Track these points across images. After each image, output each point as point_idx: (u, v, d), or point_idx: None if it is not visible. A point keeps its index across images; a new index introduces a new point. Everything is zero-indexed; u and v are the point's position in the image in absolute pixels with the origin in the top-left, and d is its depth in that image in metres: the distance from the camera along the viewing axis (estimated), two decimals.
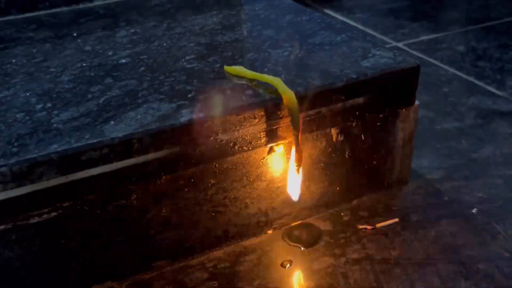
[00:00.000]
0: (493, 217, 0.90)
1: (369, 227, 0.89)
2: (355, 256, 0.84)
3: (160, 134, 0.71)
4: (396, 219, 0.90)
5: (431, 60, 1.52)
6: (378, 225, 0.89)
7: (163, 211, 0.79)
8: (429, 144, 1.11)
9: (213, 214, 0.83)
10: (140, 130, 0.70)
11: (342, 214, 0.93)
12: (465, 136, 1.14)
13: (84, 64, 0.91)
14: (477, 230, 0.87)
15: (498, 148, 1.09)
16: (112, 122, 0.72)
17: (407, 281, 0.78)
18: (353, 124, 0.86)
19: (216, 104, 0.75)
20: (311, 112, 0.80)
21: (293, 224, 0.91)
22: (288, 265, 0.83)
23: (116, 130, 0.70)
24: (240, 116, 0.75)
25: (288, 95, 0.75)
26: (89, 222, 0.75)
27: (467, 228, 0.88)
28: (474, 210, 0.92)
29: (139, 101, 0.77)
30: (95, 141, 0.69)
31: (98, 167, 0.70)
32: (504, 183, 0.99)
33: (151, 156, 0.72)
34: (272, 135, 0.79)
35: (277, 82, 0.77)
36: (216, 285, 0.80)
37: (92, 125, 0.72)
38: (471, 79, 1.40)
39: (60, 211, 0.71)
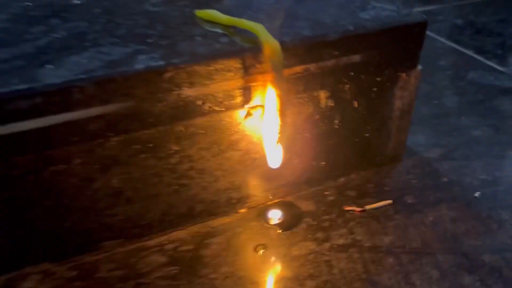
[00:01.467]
0: (498, 202, 0.79)
1: (357, 209, 0.77)
2: (341, 241, 0.71)
3: (108, 83, 0.56)
4: (389, 201, 0.78)
5: (427, 32, 1.39)
6: (367, 207, 0.77)
7: (113, 181, 0.65)
8: (426, 120, 1.00)
9: (175, 187, 0.70)
10: (83, 76, 0.56)
11: (326, 193, 0.81)
12: (465, 112, 1.03)
13: (29, 3, 0.76)
14: (481, 217, 0.76)
15: (501, 126, 0.98)
16: (49, 66, 0.58)
17: (401, 273, 0.66)
18: (346, 88, 0.73)
19: (182, 51, 0.61)
20: (297, 69, 0.67)
21: (269, 203, 0.78)
22: (262, 250, 0.70)
23: (53, 76, 0.56)
24: (211, 67, 0.61)
25: (272, 44, 0.61)
26: (19, 191, 0.60)
27: (469, 214, 0.77)
28: (477, 194, 0.80)
29: (87, 44, 0.62)
30: (24, 87, 0.54)
31: (28, 120, 0.55)
32: (509, 164, 0.87)
33: (96, 110, 0.57)
34: (249, 94, 0.66)
35: (259, 28, 0.63)
36: (176, 271, 0.67)
37: (24, 69, 0.57)
38: (470, 53, 1.28)
39: None
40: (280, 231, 0.74)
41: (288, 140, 0.73)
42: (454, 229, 0.73)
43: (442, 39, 1.35)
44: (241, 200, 0.76)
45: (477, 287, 0.64)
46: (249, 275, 0.67)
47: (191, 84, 0.61)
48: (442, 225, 0.74)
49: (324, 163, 0.79)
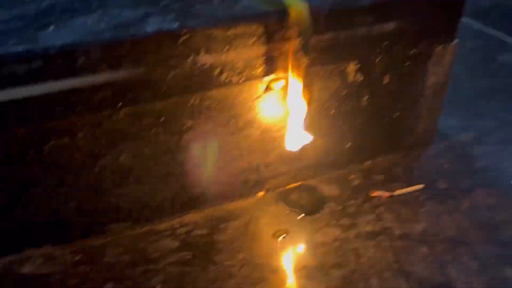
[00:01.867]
0: None
1: (385, 194, 0.71)
2: (368, 228, 0.65)
3: (116, 46, 0.51)
4: (421, 185, 0.72)
5: None
6: (396, 192, 0.71)
7: (121, 157, 0.59)
8: (456, 102, 0.92)
9: (188, 166, 0.64)
10: (89, 39, 0.50)
11: (351, 176, 0.75)
12: (497, 95, 0.96)
13: None
14: None
15: None
16: (51, 27, 0.52)
17: (435, 263, 0.60)
18: (377, 60, 0.66)
19: (198, 13, 0.55)
20: (326, 37, 0.60)
21: (290, 186, 0.72)
22: (282, 236, 0.65)
23: (55, 38, 0.50)
24: (230, 32, 0.55)
25: (299, 8, 0.55)
26: (19, 167, 0.55)
27: (508, 201, 0.70)
28: None
29: (94, 6, 0.56)
30: (23, 48, 0.48)
31: (28, 86, 0.49)
32: None
33: (103, 77, 0.52)
34: (271, 65, 0.60)
35: None
36: (188, 257, 0.62)
37: (24, 31, 0.52)
38: (500, 35, 1.20)
39: None
40: (302, 216, 0.68)
41: (312, 118, 0.67)
42: (492, 217, 0.67)
43: (469, 20, 1.28)
44: (259, 183, 0.71)
45: None
46: (268, 262, 0.61)
47: (208, 51, 0.55)
48: (478, 212, 0.68)
49: (349, 144, 0.73)
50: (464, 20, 1.20)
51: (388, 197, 0.70)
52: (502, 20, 1.28)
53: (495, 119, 0.89)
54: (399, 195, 0.71)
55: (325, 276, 0.59)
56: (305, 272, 0.60)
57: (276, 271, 0.60)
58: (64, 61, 0.49)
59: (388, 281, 0.58)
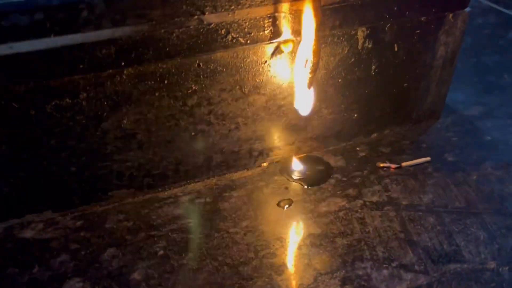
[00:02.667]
0: None
1: (393, 165, 0.69)
2: (374, 199, 0.64)
3: (119, 0, 0.49)
4: (427, 158, 0.70)
5: None
6: (403, 164, 0.70)
7: (124, 121, 0.58)
8: (464, 77, 0.91)
9: (192, 133, 0.63)
10: None
11: (358, 148, 0.73)
12: (506, 70, 0.94)
13: None
14: None
15: None
16: None
17: (443, 233, 0.59)
18: (387, 27, 0.64)
19: None
20: None
21: (295, 156, 0.71)
22: (287, 206, 0.63)
23: None
24: None
25: None
26: (19, 127, 0.54)
27: None
28: None
29: None
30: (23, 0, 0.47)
31: (28, 40, 0.48)
32: None
33: (106, 33, 0.50)
34: (279, 26, 0.58)
35: None
36: (191, 224, 0.61)
37: None
38: (509, 12, 1.18)
39: None
40: (307, 186, 0.66)
41: (318, 86, 0.65)
42: (501, 189, 0.66)
43: None
44: (264, 153, 0.69)
45: None
46: (273, 230, 0.60)
47: (214, 8, 0.53)
48: (487, 184, 0.67)
49: (356, 115, 0.72)
50: None
51: (395, 168, 0.69)
52: None
53: (504, 94, 0.87)
54: (406, 168, 0.69)
55: (330, 244, 0.58)
56: (310, 240, 0.58)
57: (281, 239, 0.59)
58: (66, 14, 0.48)
59: (395, 250, 0.57)
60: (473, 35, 1.06)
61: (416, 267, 0.55)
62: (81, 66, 0.51)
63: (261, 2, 0.55)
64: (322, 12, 0.56)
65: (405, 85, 0.72)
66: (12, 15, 0.46)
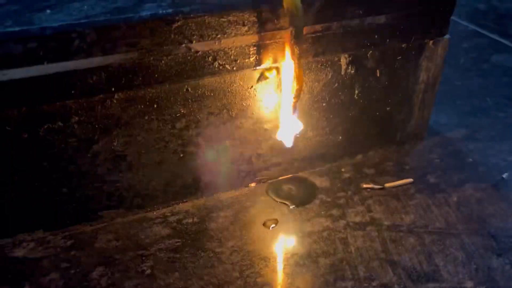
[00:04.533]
0: None
1: (376, 186, 0.72)
2: (357, 219, 0.66)
3: (110, 29, 0.51)
4: (410, 179, 0.73)
5: None
6: (387, 185, 0.72)
7: (114, 143, 0.60)
8: (448, 100, 0.94)
9: (181, 155, 0.65)
10: (84, 21, 0.51)
11: (342, 170, 0.76)
12: (489, 94, 0.97)
13: None
14: (510, 199, 0.70)
15: None
16: (48, 11, 0.53)
17: (423, 253, 0.61)
18: (369, 53, 0.67)
19: (192, 1, 0.56)
20: (318, 27, 0.61)
21: (282, 177, 0.73)
22: (273, 225, 0.65)
23: (50, 20, 0.51)
24: (224, 19, 0.56)
25: None
26: (12, 150, 0.56)
27: (496, 195, 0.71)
28: (504, 175, 0.74)
29: None
30: (18, 29, 0.49)
31: (22, 68, 0.50)
32: None
33: (97, 60, 0.52)
34: (264, 54, 0.60)
35: None
36: (179, 244, 0.62)
37: (20, 13, 0.52)
38: (494, 36, 1.22)
39: None
40: (292, 207, 0.68)
41: (304, 110, 0.68)
42: (480, 211, 0.68)
43: (465, 23, 1.29)
44: (251, 174, 0.71)
45: (507, 270, 0.59)
46: (258, 249, 0.61)
47: (201, 37, 0.56)
48: (467, 205, 0.69)
49: (341, 137, 0.74)
50: (460, 22, 1.22)
51: (378, 189, 0.71)
52: (497, 22, 1.29)
53: (487, 116, 0.90)
54: (389, 189, 0.71)
55: (313, 263, 0.59)
56: (294, 259, 0.60)
57: (265, 258, 0.60)
58: (59, 42, 0.50)
59: (375, 270, 0.59)
60: (458, 59, 1.09)
61: (396, 286, 0.57)
62: (73, 91, 0.54)
63: (246, 31, 0.57)
64: (304, 41, 0.58)
65: (388, 108, 0.74)
66: (6, 44, 0.48)
